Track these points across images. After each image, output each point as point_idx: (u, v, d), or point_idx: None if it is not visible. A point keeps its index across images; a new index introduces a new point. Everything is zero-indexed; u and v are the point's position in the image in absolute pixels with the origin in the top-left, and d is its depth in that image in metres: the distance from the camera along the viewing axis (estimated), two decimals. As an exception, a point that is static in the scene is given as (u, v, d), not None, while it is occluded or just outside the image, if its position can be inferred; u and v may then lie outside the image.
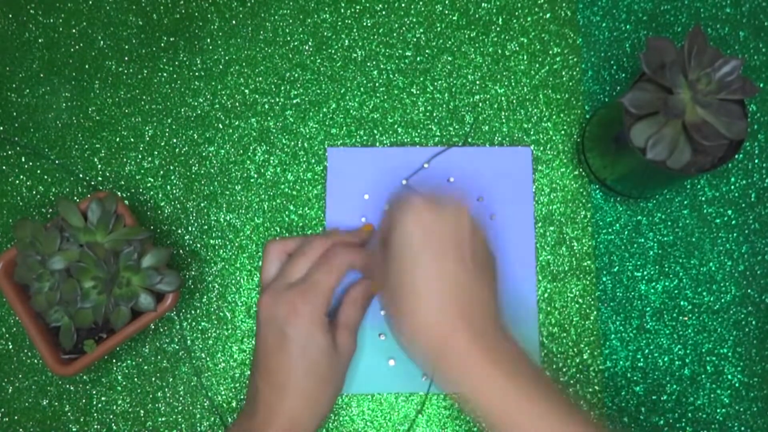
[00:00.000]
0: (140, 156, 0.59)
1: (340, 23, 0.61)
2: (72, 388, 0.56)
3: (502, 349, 0.43)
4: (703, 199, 0.58)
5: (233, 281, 0.57)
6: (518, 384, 0.41)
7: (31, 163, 0.59)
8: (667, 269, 0.57)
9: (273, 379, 0.47)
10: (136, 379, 0.56)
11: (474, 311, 0.43)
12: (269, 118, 0.59)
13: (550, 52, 0.60)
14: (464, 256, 0.44)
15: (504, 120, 0.59)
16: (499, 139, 0.59)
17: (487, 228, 0.56)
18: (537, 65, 0.60)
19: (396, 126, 0.59)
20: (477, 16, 0.61)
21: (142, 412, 0.55)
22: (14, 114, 0.59)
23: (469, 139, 0.59)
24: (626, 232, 0.58)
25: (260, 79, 0.60)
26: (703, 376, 0.56)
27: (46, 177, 0.58)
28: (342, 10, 0.61)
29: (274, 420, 0.46)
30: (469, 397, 0.42)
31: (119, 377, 0.56)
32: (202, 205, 0.58)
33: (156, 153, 0.59)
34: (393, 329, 0.46)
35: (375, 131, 0.59)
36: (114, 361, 0.56)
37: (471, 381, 0.42)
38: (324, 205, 0.58)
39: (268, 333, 0.47)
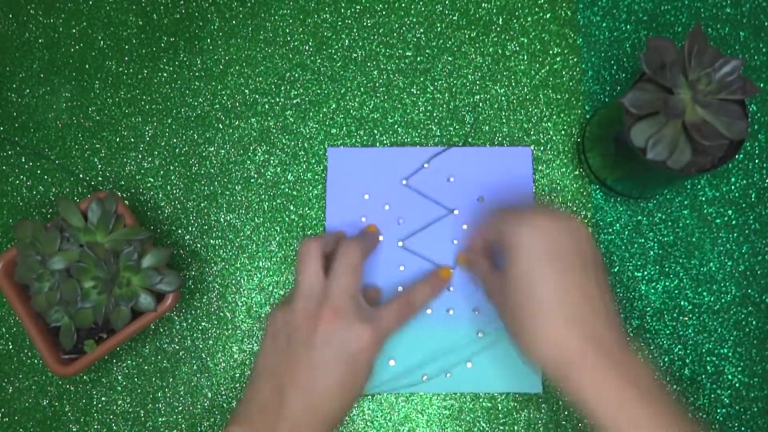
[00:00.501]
0: (140, 156, 0.59)
1: (340, 23, 0.61)
2: (72, 388, 0.56)
3: (630, 365, 0.42)
4: (704, 199, 0.58)
5: (233, 281, 0.57)
6: (648, 403, 0.40)
7: (31, 163, 0.59)
8: (667, 269, 0.57)
9: (311, 401, 0.45)
10: (136, 379, 0.56)
11: (601, 325, 0.43)
12: (269, 118, 0.59)
13: (551, 52, 0.60)
14: (588, 267, 0.44)
15: (504, 120, 0.59)
16: (500, 139, 0.59)
17: None
18: (537, 65, 0.60)
19: (396, 126, 0.59)
20: (477, 16, 0.61)
21: (142, 412, 0.55)
22: (14, 114, 0.59)
23: (470, 139, 0.59)
24: (626, 232, 0.58)
25: (260, 79, 0.60)
26: (703, 376, 0.56)
27: (46, 177, 0.58)
28: (342, 10, 0.61)
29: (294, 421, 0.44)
30: (595, 414, 0.41)
31: (119, 377, 0.56)
32: (202, 205, 0.58)
33: (156, 153, 0.59)
34: (516, 343, 0.45)
35: (375, 131, 0.59)
36: (114, 361, 0.56)
37: (598, 399, 0.41)
38: (324, 205, 0.58)
39: (326, 353, 0.45)
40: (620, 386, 0.41)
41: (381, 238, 0.57)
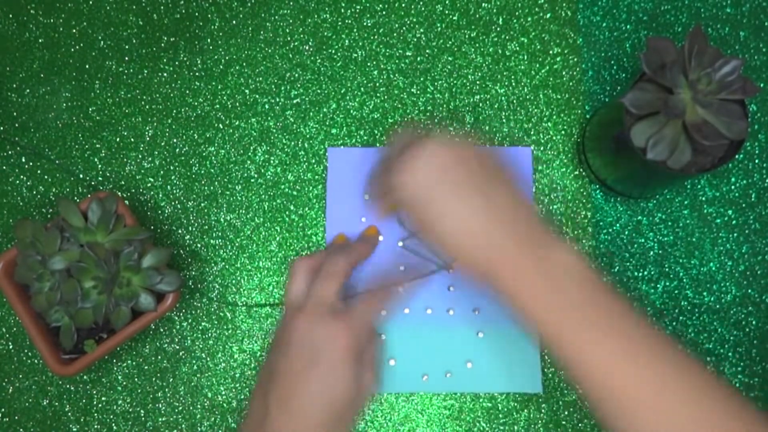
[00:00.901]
0: (140, 156, 0.59)
1: (340, 23, 0.61)
2: (72, 388, 0.56)
3: (552, 259, 0.42)
4: (704, 199, 0.58)
5: (233, 281, 0.57)
6: (568, 297, 0.41)
7: (31, 163, 0.59)
8: (667, 269, 0.57)
9: (290, 406, 0.44)
10: (136, 379, 0.56)
11: (510, 223, 0.43)
12: (269, 118, 0.59)
13: (551, 52, 0.60)
14: (489, 179, 0.44)
15: (504, 120, 0.59)
16: (500, 139, 0.59)
17: None
18: (537, 65, 0.60)
19: (396, 126, 0.59)
20: (477, 16, 0.61)
21: (142, 412, 0.55)
22: (14, 114, 0.59)
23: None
24: (626, 232, 0.58)
25: (260, 79, 0.60)
26: (703, 376, 0.55)
27: (46, 177, 0.58)
28: (342, 10, 0.61)
29: None
30: (523, 315, 0.42)
31: (119, 377, 0.56)
32: (203, 205, 0.58)
33: (156, 153, 0.59)
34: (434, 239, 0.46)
35: (375, 131, 0.59)
36: (114, 361, 0.56)
37: (521, 298, 0.42)
38: (324, 205, 0.58)
39: (298, 356, 0.45)
40: (534, 281, 0.41)
41: (381, 238, 0.57)
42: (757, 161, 0.58)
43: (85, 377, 0.56)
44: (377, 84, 0.60)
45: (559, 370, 0.54)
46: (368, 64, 0.60)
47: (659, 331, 0.40)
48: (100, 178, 0.58)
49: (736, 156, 0.57)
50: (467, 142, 0.46)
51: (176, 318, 0.57)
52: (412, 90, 0.60)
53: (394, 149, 0.48)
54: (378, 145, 0.59)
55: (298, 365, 0.45)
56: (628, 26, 0.60)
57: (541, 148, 0.59)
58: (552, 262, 0.42)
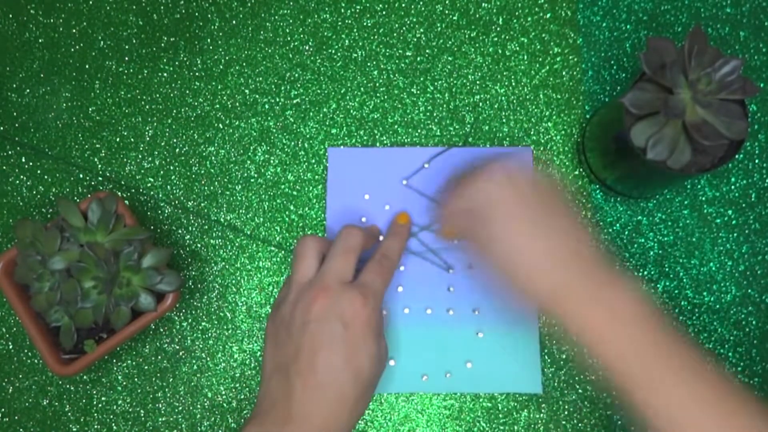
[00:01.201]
0: (140, 156, 0.59)
1: (340, 23, 0.61)
2: (72, 388, 0.56)
3: (611, 295, 0.43)
4: (704, 199, 0.58)
5: (233, 281, 0.57)
6: (633, 340, 0.41)
7: (31, 163, 0.59)
8: (667, 269, 0.57)
9: (316, 380, 0.44)
10: (136, 379, 0.56)
11: (573, 257, 0.44)
12: (269, 118, 0.59)
13: (551, 52, 0.60)
14: (555, 213, 0.46)
15: (504, 120, 0.59)
16: (500, 138, 0.59)
17: None
18: (537, 65, 0.60)
19: (396, 126, 0.59)
20: (477, 16, 0.61)
21: (142, 412, 0.55)
22: (14, 114, 0.59)
23: (470, 139, 0.59)
24: (626, 232, 0.58)
25: (260, 79, 0.60)
26: (703, 376, 0.55)
27: (46, 177, 0.58)
28: (342, 10, 0.61)
29: (310, 422, 0.43)
30: (585, 344, 0.42)
31: (119, 377, 0.56)
32: (203, 205, 0.58)
33: (156, 153, 0.59)
34: (512, 289, 0.46)
35: (375, 131, 0.59)
36: (114, 361, 0.56)
37: (586, 337, 0.42)
38: (324, 205, 0.58)
39: (322, 330, 0.45)
40: (603, 321, 0.42)
41: (381, 238, 0.57)
42: (757, 161, 0.58)
43: (85, 377, 0.56)
44: (377, 84, 0.60)
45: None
46: (368, 64, 0.60)
47: (724, 374, 0.40)
48: (100, 178, 0.58)
49: (736, 156, 0.57)
50: (546, 175, 0.48)
51: (176, 318, 0.57)
52: (412, 90, 0.60)
53: (478, 165, 0.50)
54: (379, 145, 0.59)
55: (321, 340, 0.44)
56: (628, 26, 0.60)
57: (541, 148, 0.59)
58: (618, 301, 0.43)
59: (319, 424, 0.43)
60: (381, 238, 0.57)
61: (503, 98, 0.59)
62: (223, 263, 0.57)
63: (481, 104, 0.59)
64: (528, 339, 0.55)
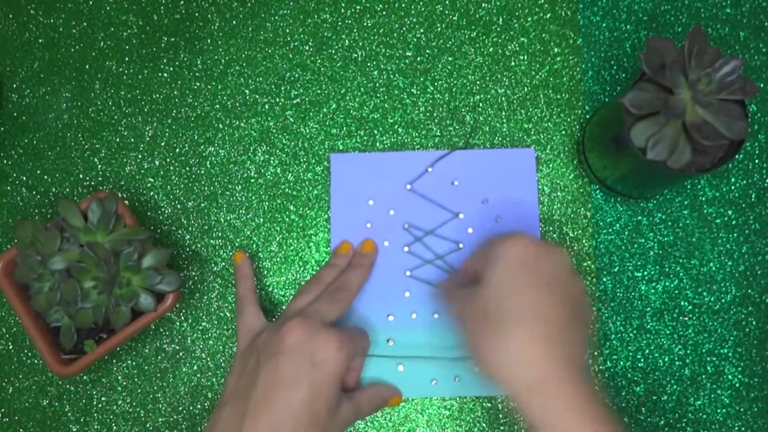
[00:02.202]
0: (140, 156, 0.59)
1: (340, 23, 0.61)
2: (72, 388, 0.56)
3: (589, 395, 0.41)
4: (704, 199, 0.58)
5: (233, 281, 0.57)
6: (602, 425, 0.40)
7: (31, 163, 0.59)
8: (667, 269, 0.57)
9: (270, 417, 0.42)
10: (136, 379, 0.56)
11: (572, 351, 0.42)
12: (269, 119, 0.59)
13: (551, 52, 0.60)
14: (561, 295, 0.43)
15: (504, 120, 0.59)
16: (500, 139, 0.59)
17: (493, 230, 0.56)
18: (537, 65, 0.60)
19: (396, 126, 0.59)
20: (477, 16, 0.61)
21: (142, 412, 0.55)
22: (14, 114, 0.59)
23: (471, 141, 0.59)
24: (626, 232, 0.58)
25: (260, 79, 0.60)
26: (703, 376, 0.56)
27: (46, 177, 0.58)
28: (342, 10, 0.61)
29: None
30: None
31: (119, 377, 0.56)
32: (203, 205, 0.58)
33: (156, 153, 0.59)
34: (475, 354, 0.44)
35: (375, 131, 0.59)
36: (114, 361, 0.56)
37: (563, 422, 0.40)
38: (325, 207, 0.58)
39: (289, 363, 0.44)
40: (581, 417, 0.40)
41: (386, 243, 0.56)
42: (757, 161, 0.58)
43: (85, 377, 0.56)
44: (377, 84, 0.60)
45: None
46: (368, 64, 0.60)
47: None
48: (100, 178, 0.58)
49: (736, 156, 0.57)
50: (567, 256, 0.46)
51: (176, 318, 0.57)
52: (412, 90, 0.60)
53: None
54: (379, 146, 0.59)
55: (288, 374, 0.43)
56: (628, 26, 0.60)
57: (542, 148, 0.59)
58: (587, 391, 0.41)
59: None
60: (387, 243, 0.57)
61: (503, 98, 0.59)
62: (223, 263, 0.57)
63: (481, 104, 0.59)
64: None
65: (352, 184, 0.57)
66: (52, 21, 0.61)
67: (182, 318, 0.57)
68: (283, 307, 0.57)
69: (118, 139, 0.59)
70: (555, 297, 0.43)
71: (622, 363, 0.56)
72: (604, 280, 0.57)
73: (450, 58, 0.60)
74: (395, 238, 0.57)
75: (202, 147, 0.59)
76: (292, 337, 0.45)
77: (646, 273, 0.57)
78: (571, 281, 0.45)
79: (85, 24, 0.61)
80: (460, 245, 0.56)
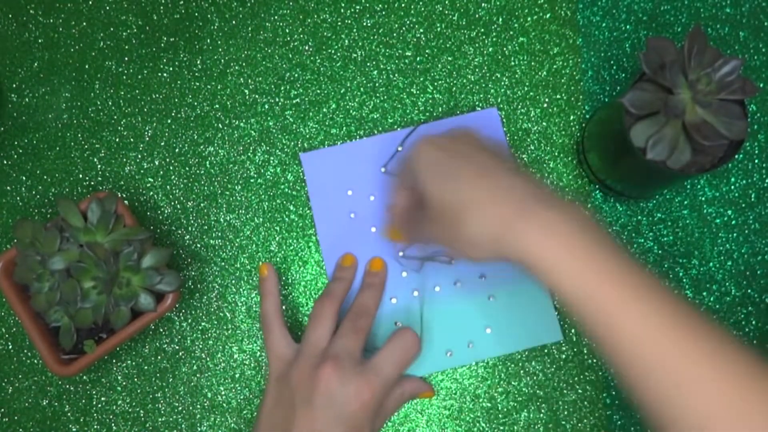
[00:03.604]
0: (140, 156, 0.59)
1: (340, 23, 0.61)
2: (72, 388, 0.56)
3: (562, 216, 0.40)
4: (703, 199, 0.58)
5: (233, 281, 0.57)
6: (593, 257, 0.38)
7: (31, 163, 0.59)
8: (667, 269, 0.57)
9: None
10: (136, 380, 0.56)
11: (518, 191, 0.42)
12: (269, 118, 0.59)
13: (550, 52, 0.60)
14: (484, 149, 0.45)
15: (504, 120, 0.59)
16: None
17: None
18: (537, 65, 0.60)
19: (396, 126, 0.59)
20: (477, 16, 0.61)
21: (142, 412, 0.55)
22: (14, 114, 0.59)
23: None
24: (626, 232, 0.58)
25: (260, 79, 0.60)
26: (703, 376, 0.55)
27: (46, 177, 0.58)
28: (342, 10, 0.61)
29: None
30: (542, 277, 0.39)
31: (119, 377, 0.56)
32: (202, 205, 0.58)
33: (156, 153, 0.59)
34: (458, 253, 0.45)
35: (375, 131, 0.59)
36: (114, 361, 0.56)
37: (540, 263, 0.39)
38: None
39: (322, 415, 0.45)
40: (558, 238, 0.39)
41: (374, 229, 0.57)
42: (756, 161, 0.58)
43: (84, 377, 0.56)
44: (377, 84, 0.60)
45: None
46: (368, 64, 0.60)
47: (681, 294, 0.39)
48: (99, 178, 0.58)
49: (736, 156, 0.57)
50: (456, 131, 0.48)
51: (176, 318, 0.57)
52: (412, 90, 0.60)
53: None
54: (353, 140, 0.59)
55: (323, 420, 0.45)
56: (627, 26, 0.60)
57: (541, 148, 0.59)
58: (566, 220, 0.40)
59: None
60: (374, 229, 0.57)
61: (503, 98, 0.59)
62: (223, 263, 0.57)
63: (480, 104, 0.59)
64: (538, 290, 0.56)
65: (327, 178, 0.58)
66: (51, 21, 0.61)
67: (182, 318, 0.57)
68: (283, 308, 0.57)
69: (117, 139, 0.59)
70: (481, 154, 0.45)
71: (621, 363, 0.56)
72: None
73: (450, 58, 0.60)
74: (381, 222, 0.57)
75: (201, 147, 0.59)
76: (327, 385, 0.46)
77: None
78: (483, 141, 0.47)
79: (84, 24, 0.61)
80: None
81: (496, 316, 0.55)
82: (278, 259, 0.57)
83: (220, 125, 0.59)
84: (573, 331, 0.56)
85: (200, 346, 0.56)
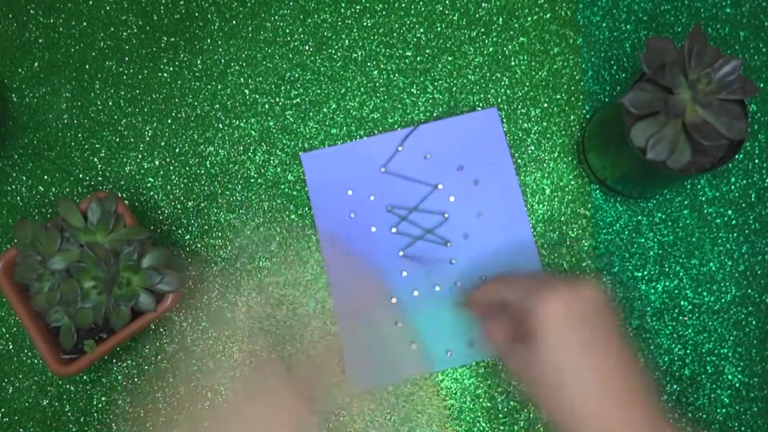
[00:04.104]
0: (140, 156, 0.59)
1: (340, 23, 0.61)
2: (72, 388, 0.56)
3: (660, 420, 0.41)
4: (703, 199, 0.58)
5: (233, 281, 0.57)
6: None
7: (31, 163, 0.59)
8: (667, 269, 0.57)
9: None
10: (136, 379, 0.56)
11: (641, 405, 0.42)
12: (269, 118, 0.59)
13: (550, 52, 0.60)
14: (614, 342, 0.43)
15: (504, 120, 0.59)
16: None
17: (473, 194, 0.57)
18: (537, 65, 0.60)
19: (396, 126, 0.59)
20: (477, 16, 0.61)
21: (142, 412, 0.55)
22: (14, 114, 0.59)
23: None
24: (626, 232, 0.58)
25: (260, 79, 0.60)
26: (703, 376, 0.56)
27: (46, 177, 0.58)
28: (342, 10, 0.61)
29: None
30: None
31: (119, 377, 0.56)
32: (203, 205, 0.58)
33: (156, 153, 0.59)
34: (558, 419, 0.43)
35: (375, 131, 0.59)
36: (114, 361, 0.56)
37: None
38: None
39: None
40: None
41: (374, 228, 0.57)
42: (757, 161, 0.58)
43: (85, 377, 0.56)
44: (377, 84, 0.60)
45: None
46: (368, 64, 0.60)
47: None
48: (100, 178, 0.58)
49: (736, 156, 0.57)
50: (605, 300, 0.44)
51: (176, 318, 0.57)
52: (412, 90, 0.60)
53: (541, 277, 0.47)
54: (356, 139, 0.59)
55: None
56: (628, 26, 0.60)
57: (542, 148, 0.59)
58: None
59: None
60: (374, 229, 0.57)
61: (503, 98, 0.59)
62: (223, 263, 0.57)
63: (480, 104, 0.59)
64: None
65: (327, 178, 0.58)
66: (52, 21, 0.61)
67: (182, 318, 0.57)
68: (284, 308, 0.57)
69: (118, 139, 0.59)
70: (610, 353, 0.43)
71: (622, 363, 0.56)
72: (604, 280, 0.57)
73: (450, 58, 0.60)
74: (381, 221, 0.57)
75: (201, 147, 0.59)
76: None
77: (645, 273, 0.57)
78: (612, 314, 0.44)
79: (85, 24, 0.61)
80: (445, 215, 0.57)
81: None
82: (278, 258, 0.57)
83: (220, 125, 0.59)
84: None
85: (200, 346, 0.56)
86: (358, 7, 0.61)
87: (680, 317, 0.56)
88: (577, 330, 0.42)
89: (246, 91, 0.60)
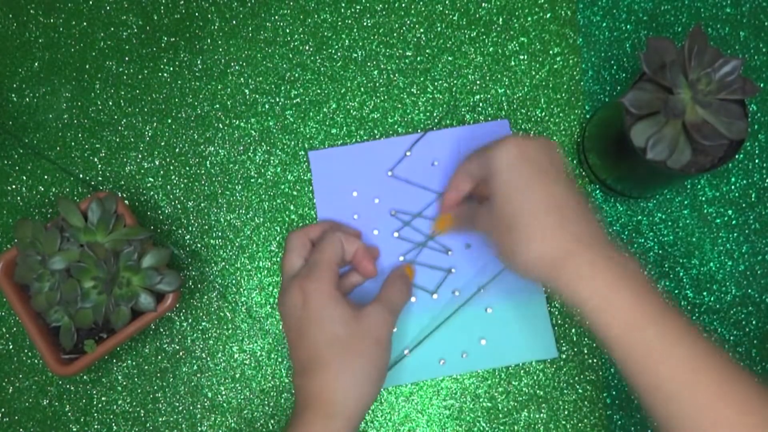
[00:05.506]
0: (140, 156, 0.59)
1: (340, 23, 0.61)
2: (72, 388, 0.56)
3: (620, 261, 0.43)
4: (704, 199, 0.58)
5: (233, 281, 0.57)
6: (641, 300, 0.41)
7: (31, 163, 0.59)
8: (667, 269, 0.57)
9: (301, 366, 0.46)
10: (136, 379, 0.56)
11: (588, 227, 0.44)
12: (269, 118, 0.59)
13: (551, 52, 0.60)
14: (564, 178, 0.45)
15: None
16: (500, 139, 0.59)
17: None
18: (537, 65, 0.60)
19: (396, 126, 0.59)
20: (477, 16, 0.61)
21: (142, 412, 0.55)
22: (14, 114, 0.59)
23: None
24: (626, 232, 0.58)
25: (260, 79, 0.60)
26: (703, 376, 0.55)
27: (46, 177, 0.58)
28: (342, 10, 0.61)
29: (310, 403, 0.45)
30: (590, 314, 0.42)
31: (119, 377, 0.56)
32: (203, 205, 0.58)
33: (156, 153, 0.59)
34: (506, 261, 0.46)
35: (375, 131, 0.59)
36: (114, 361, 0.56)
37: (591, 299, 0.41)
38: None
39: (289, 325, 0.47)
40: (612, 280, 0.41)
41: (376, 232, 0.57)
42: (757, 161, 0.58)
43: (85, 377, 0.56)
44: (377, 84, 0.60)
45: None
46: (368, 64, 0.60)
47: (717, 346, 0.42)
48: (100, 178, 0.58)
49: (736, 156, 0.57)
50: (551, 144, 0.48)
51: (176, 318, 0.57)
52: (412, 90, 0.60)
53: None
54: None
55: (293, 332, 0.47)
56: (628, 26, 0.60)
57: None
58: (626, 267, 0.42)
59: (320, 404, 0.45)
60: (376, 232, 0.57)
61: (503, 98, 0.59)
62: (223, 263, 0.57)
63: (481, 104, 0.59)
64: (536, 306, 0.56)
65: (333, 178, 0.58)
66: (52, 21, 0.61)
67: (182, 318, 0.57)
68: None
69: (118, 139, 0.59)
70: (559, 185, 0.45)
71: (622, 363, 0.56)
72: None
73: (450, 58, 0.60)
74: (384, 225, 0.57)
75: (202, 147, 0.59)
76: (280, 307, 0.49)
77: (646, 273, 0.57)
78: (564, 165, 0.47)
79: (85, 24, 0.61)
80: (445, 233, 0.57)
81: (492, 328, 0.55)
82: (278, 258, 0.57)
83: (220, 125, 0.59)
84: (573, 331, 0.56)
85: (200, 346, 0.56)
86: (358, 7, 0.61)
87: (680, 317, 0.56)
88: (527, 165, 0.45)
89: (246, 91, 0.60)
